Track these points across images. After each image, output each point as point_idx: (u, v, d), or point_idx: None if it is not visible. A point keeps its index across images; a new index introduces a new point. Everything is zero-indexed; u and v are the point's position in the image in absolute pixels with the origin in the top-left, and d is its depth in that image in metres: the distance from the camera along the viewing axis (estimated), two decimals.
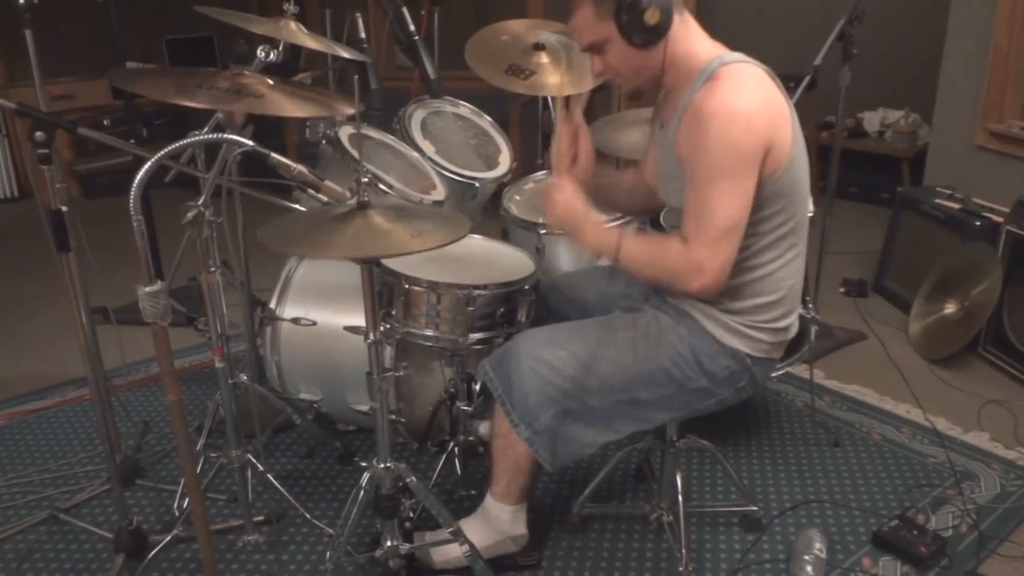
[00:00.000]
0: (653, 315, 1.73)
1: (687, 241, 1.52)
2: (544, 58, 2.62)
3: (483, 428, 2.18)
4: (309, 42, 1.77)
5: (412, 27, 2.21)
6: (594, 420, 1.69)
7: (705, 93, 1.50)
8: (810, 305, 2.31)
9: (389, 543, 1.72)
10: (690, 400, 1.70)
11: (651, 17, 1.49)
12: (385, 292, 1.99)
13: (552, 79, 2.59)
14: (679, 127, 1.58)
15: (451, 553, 1.81)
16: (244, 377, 2.13)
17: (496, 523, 1.85)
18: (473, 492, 2.17)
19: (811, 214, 2.10)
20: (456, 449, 2.17)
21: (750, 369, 1.69)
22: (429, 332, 1.96)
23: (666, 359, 1.66)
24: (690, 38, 1.58)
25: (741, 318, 1.66)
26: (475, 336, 1.95)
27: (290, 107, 1.62)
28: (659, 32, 1.52)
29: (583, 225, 1.66)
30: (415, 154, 2.41)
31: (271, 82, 1.67)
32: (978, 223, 3.00)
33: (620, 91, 1.70)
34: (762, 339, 1.67)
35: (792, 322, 1.73)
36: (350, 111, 1.69)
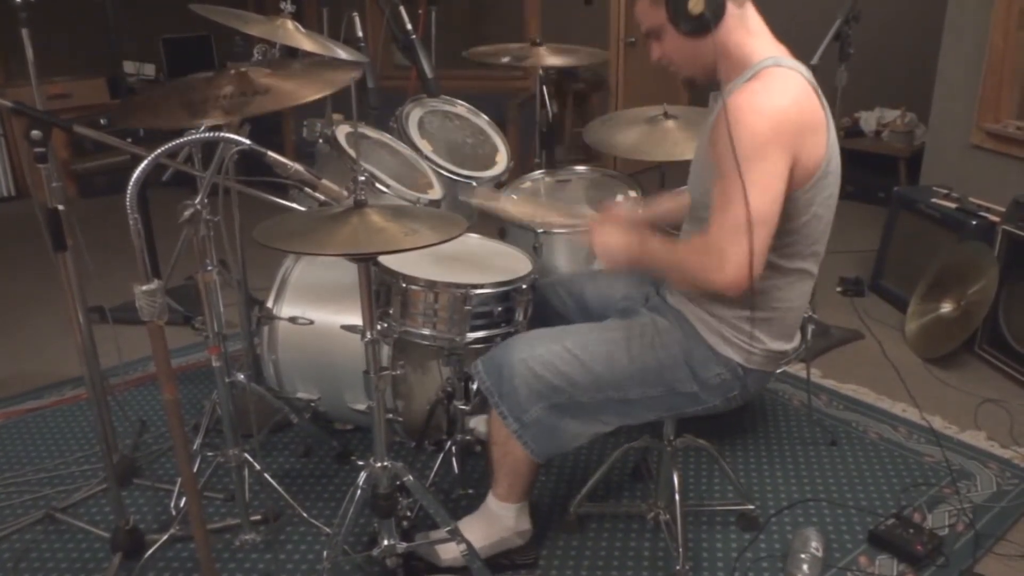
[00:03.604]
0: (650, 318, 1.74)
1: (709, 234, 1.48)
2: (541, 51, 2.65)
3: (474, 422, 2.18)
4: (305, 43, 1.77)
5: (409, 26, 2.21)
6: (582, 414, 1.71)
7: (740, 90, 1.49)
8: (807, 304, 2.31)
9: (386, 542, 1.72)
10: (678, 403, 1.71)
11: (695, 6, 1.50)
12: (382, 291, 1.99)
13: (549, 59, 2.62)
14: (714, 122, 1.56)
15: (456, 551, 1.81)
16: (241, 376, 2.13)
17: (501, 520, 1.86)
18: (470, 491, 2.17)
19: None
20: (453, 448, 2.17)
21: (742, 380, 1.67)
22: (426, 331, 1.96)
23: (658, 361, 1.67)
24: (747, 33, 1.56)
25: (734, 331, 1.64)
26: (472, 335, 1.95)
27: (301, 92, 1.61)
28: (706, 22, 1.51)
29: (616, 246, 1.67)
30: (412, 153, 2.41)
31: (269, 71, 1.67)
32: (974, 222, 3.00)
33: (678, 77, 1.70)
34: (755, 353, 1.65)
35: (789, 346, 1.70)
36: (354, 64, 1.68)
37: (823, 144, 1.52)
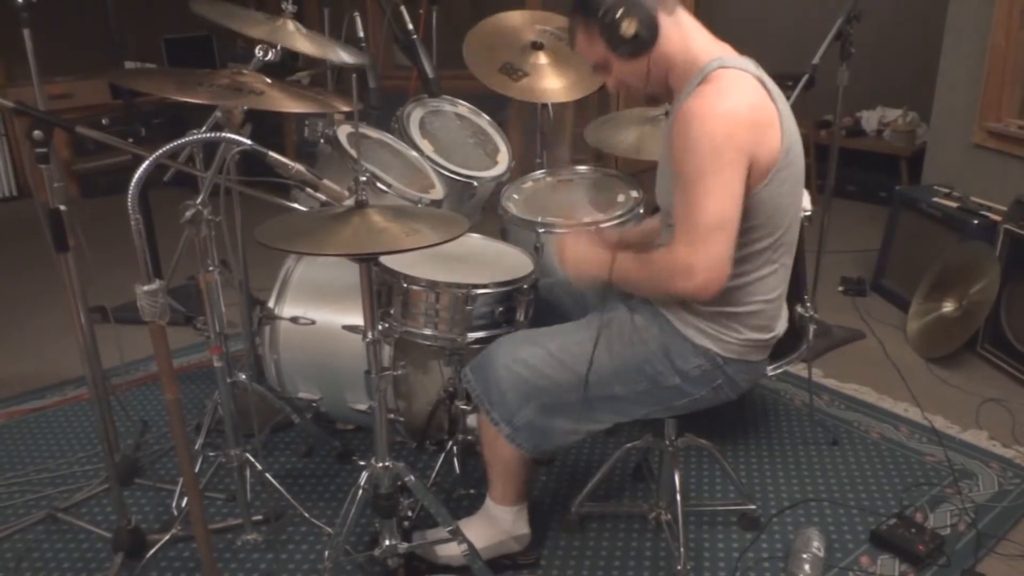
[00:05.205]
0: (628, 314, 1.74)
1: (674, 242, 1.52)
2: (541, 58, 2.62)
3: (472, 420, 2.18)
4: (306, 45, 1.78)
5: (410, 26, 2.21)
6: (572, 413, 1.71)
7: (693, 96, 1.51)
8: (808, 304, 2.31)
9: (387, 542, 1.72)
10: (665, 397, 1.70)
11: (628, 29, 1.53)
12: (384, 291, 1.99)
13: (544, 83, 2.59)
14: (670, 128, 1.59)
15: (454, 551, 1.82)
16: (243, 376, 2.13)
17: (499, 523, 1.87)
18: (472, 491, 2.17)
19: (809, 212, 2.12)
20: (454, 448, 2.18)
21: (723, 368, 1.67)
22: (428, 331, 1.96)
23: (638, 356, 1.68)
24: (686, 37, 1.59)
25: (709, 323, 1.65)
26: (474, 335, 1.95)
27: (289, 103, 1.63)
28: (644, 40, 1.55)
29: (585, 260, 1.70)
30: (414, 153, 2.41)
31: (268, 81, 1.67)
32: (976, 222, 3.00)
33: (643, 97, 1.71)
34: (731, 342, 1.65)
35: (768, 336, 1.70)
36: (347, 109, 1.70)
37: (778, 138, 1.53)
